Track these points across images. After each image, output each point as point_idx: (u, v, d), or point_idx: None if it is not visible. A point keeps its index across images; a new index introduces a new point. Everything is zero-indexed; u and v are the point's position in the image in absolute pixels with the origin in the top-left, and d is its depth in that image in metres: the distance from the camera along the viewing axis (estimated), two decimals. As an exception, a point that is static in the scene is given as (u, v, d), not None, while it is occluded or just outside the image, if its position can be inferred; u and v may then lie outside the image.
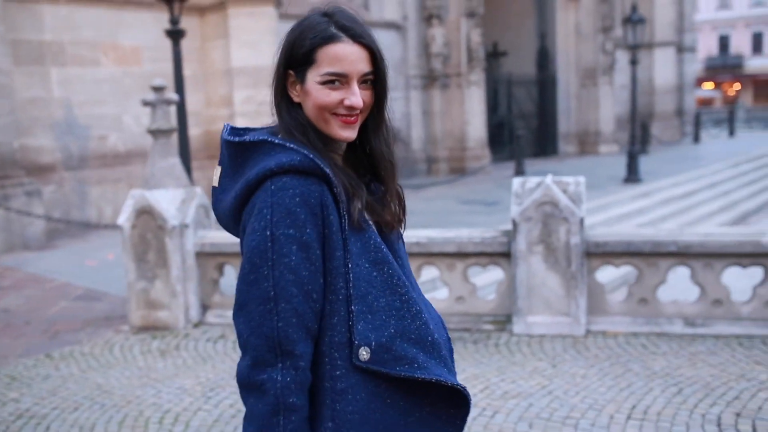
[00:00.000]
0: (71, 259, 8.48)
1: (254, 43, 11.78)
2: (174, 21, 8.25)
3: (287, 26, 1.47)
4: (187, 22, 11.83)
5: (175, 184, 5.90)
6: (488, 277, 6.43)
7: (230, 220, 1.43)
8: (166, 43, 11.19)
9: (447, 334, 1.52)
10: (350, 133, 1.41)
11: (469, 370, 4.59)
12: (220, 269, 5.93)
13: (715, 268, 5.04)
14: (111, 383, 4.65)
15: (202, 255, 5.86)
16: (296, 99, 1.41)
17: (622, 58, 21.93)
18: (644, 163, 16.68)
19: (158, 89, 6.03)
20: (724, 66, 48.23)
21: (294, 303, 1.30)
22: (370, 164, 1.48)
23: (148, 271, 5.78)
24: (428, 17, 15.91)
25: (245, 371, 1.31)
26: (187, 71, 12.01)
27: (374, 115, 1.45)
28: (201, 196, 5.94)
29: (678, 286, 5.82)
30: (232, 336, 5.54)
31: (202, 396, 4.37)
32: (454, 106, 16.22)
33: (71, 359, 5.16)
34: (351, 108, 1.38)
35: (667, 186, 14.07)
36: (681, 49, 24.45)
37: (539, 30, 20.42)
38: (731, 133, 25.05)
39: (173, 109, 8.15)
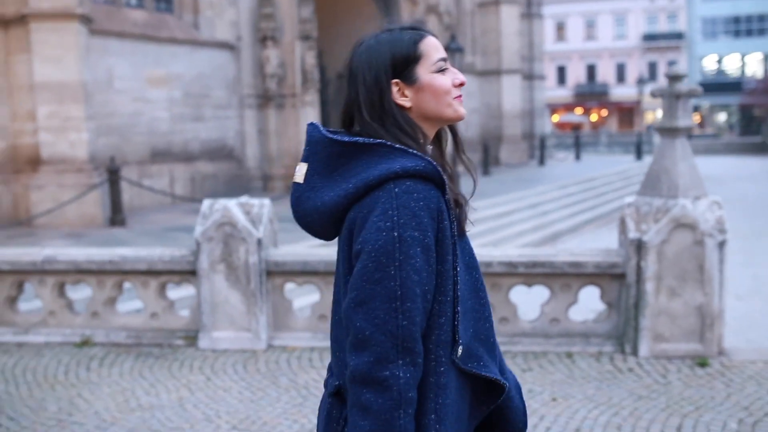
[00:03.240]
0: None
1: (59, 58, 11.60)
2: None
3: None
4: (-12, 34, 11.57)
5: None
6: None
7: (323, 218, 1.48)
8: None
9: None
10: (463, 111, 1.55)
11: (122, 384, 4.71)
12: None
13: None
14: None
15: None
16: (408, 104, 1.51)
17: (472, 83, 22.82)
18: (481, 183, 17.35)
19: None
20: (591, 93, 50.84)
21: (417, 303, 1.39)
22: None
23: None
24: (263, 38, 16.09)
25: (365, 367, 1.37)
26: (-9, 83, 11.73)
27: None
28: None
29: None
30: None
31: None
32: (290, 126, 16.43)
33: None
34: (461, 84, 1.53)
35: (486, 206, 14.66)
36: (531, 76, 25.66)
37: (388, 53, 20.99)
38: (577, 156, 26.38)
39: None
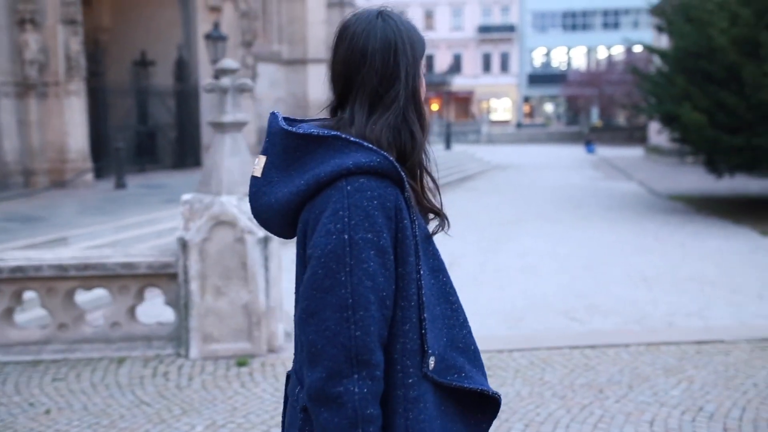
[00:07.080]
0: None
1: None
2: None
3: None
4: None
5: None
6: None
7: (277, 215, 1.35)
8: None
9: None
10: None
11: None
12: None
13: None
14: None
15: None
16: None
17: (278, 72, 22.61)
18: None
19: None
20: (430, 83, 51.54)
21: (372, 311, 1.26)
22: None
23: None
24: (21, 21, 15.09)
25: (319, 383, 1.25)
26: None
27: None
28: None
29: None
30: None
31: None
32: (54, 117, 15.56)
33: None
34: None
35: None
36: (342, 65, 25.74)
37: (182, 41, 20.36)
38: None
39: None
